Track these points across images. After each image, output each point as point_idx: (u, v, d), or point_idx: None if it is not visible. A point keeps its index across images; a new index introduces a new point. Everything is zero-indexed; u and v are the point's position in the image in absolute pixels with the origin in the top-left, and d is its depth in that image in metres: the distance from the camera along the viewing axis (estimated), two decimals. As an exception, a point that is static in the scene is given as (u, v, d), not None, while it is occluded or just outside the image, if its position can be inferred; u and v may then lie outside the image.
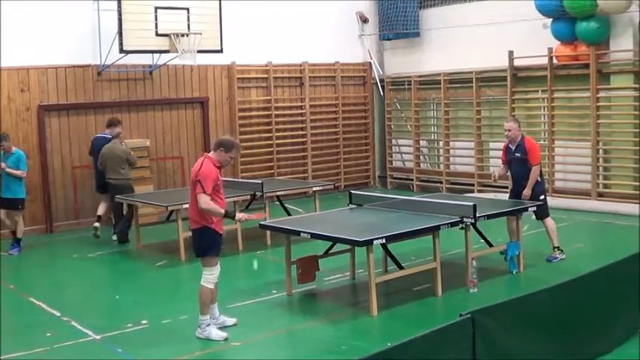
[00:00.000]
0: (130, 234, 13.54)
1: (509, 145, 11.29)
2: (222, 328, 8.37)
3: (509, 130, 11.21)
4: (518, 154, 11.13)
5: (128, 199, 13.34)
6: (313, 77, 18.93)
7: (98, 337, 8.40)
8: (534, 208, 10.84)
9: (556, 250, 11.20)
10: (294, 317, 9.02)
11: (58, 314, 9.33)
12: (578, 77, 15.82)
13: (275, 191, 13.73)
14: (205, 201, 7.90)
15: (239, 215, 8.36)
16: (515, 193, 11.32)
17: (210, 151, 8.36)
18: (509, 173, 11.60)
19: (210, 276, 8.16)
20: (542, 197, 11.07)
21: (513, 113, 16.48)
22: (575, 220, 14.28)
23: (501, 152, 11.61)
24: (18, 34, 14.41)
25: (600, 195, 15.60)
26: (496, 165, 15.01)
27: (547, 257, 11.17)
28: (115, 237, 13.77)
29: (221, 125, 17.35)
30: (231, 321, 8.58)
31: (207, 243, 8.13)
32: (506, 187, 15.23)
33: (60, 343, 8.20)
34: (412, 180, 19.42)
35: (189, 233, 12.69)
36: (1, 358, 7.78)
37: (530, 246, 11.34)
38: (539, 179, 11.12)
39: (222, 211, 8.05)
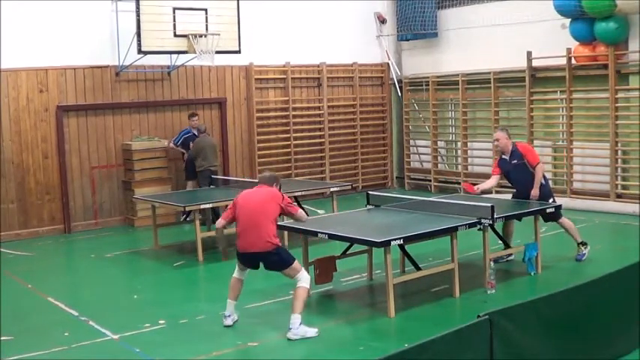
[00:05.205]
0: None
1: (503, 157, 11.02)
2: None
3: (497, 140, 10.96)
4: (515, 161, 10.86)
5: (147, 199, 13.45)
6: (331, 78, 18.93)
7: (116, 336, 8.43)
8: (552, 209, 10.73)
9: (581, 246, 11.08)
10: (312, 318, 8.98)
11: (76, 314, 9.37)
12: (596, 78, 15.71)
13: (292, 192, 13.71)
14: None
15: None
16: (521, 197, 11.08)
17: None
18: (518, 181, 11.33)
19: (304, 277, 8.40)
20: (551, 200, 10.95)
21: (532, 114, 16.45)
22: (593, 222, 14.21)
23: (493, 165, 11.31)
24: (37, 35, 14.51)
25: (619, 196, 15.49)
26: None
27: (575, 257, 11.05)
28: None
29: (239, 126, 17.39)
30: (312, 331, 8.30)
31: (285, 255, 8.43)
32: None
33: (78, 342, 8.23)
34: (430, 181, 19.38)
35: (207, 234, 12.88)
36: (20, 357, 7.83)
37: (548, 247, 11.27)
38: (543, 181, 10.89)
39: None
